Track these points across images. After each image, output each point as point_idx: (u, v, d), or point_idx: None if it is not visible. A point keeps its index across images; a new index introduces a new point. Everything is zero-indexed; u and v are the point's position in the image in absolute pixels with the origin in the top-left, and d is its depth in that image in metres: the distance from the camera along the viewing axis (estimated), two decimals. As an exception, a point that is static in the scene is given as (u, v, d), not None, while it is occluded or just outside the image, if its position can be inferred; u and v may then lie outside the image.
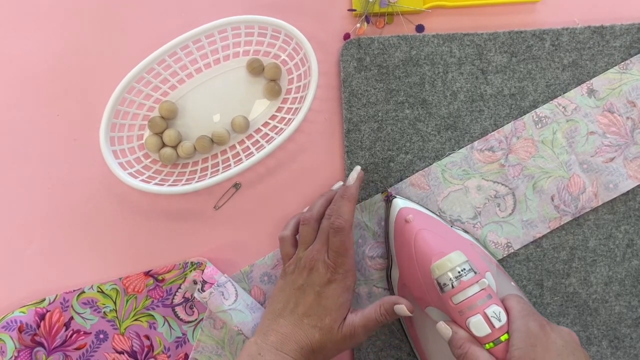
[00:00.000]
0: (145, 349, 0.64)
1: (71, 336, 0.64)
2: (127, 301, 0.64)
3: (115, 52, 0.66)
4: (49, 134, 0.65)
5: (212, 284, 0.60)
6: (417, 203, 0.62)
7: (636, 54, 0.64)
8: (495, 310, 0.49)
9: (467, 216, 0.63)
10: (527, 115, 0.64)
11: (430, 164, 0.64)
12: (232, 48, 0.65)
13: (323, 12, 0.66)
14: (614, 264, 0.63)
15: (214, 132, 0.64)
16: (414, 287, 0.56)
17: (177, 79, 0.65)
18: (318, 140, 0.65)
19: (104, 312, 0.64)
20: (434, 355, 0.57)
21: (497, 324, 0.48)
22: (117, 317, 0.64)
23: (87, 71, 0.66)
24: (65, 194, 0.65)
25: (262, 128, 0.65)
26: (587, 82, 0.64)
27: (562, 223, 0.63)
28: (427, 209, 0.61)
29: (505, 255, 0.63)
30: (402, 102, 0.64)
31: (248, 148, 0.65)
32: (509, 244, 0.63)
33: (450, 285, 0.50)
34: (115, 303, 0.64)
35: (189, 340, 0.64)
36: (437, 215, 0.62)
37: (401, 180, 0.64)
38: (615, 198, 0.63)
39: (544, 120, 0.64)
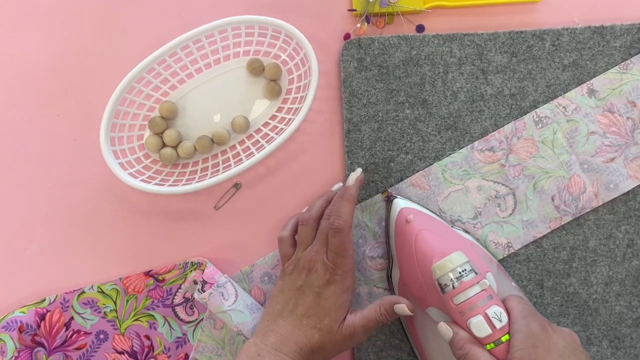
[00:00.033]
0: (146, 349, 0.63)
1: (71, 336, 0.63)
2: (128, 301, 0.64)
3: (115, 52, 0.66)
4: (49, 134, 0.65)
5: (212, 284, 0.60)
6: (418, 203, 0.61)
7: (636, 54, 0.64)
8: (496, 311, 0.48)
9: (467, 216, 0.63)
10: (528, 115, 0.63)
11: (431, 164, 0.63)
12: (232, 48, 0.64)
13: (323, 12, 0.66)
14: (614, 264, 0.63)
15: (214, 132, 0.63)
16: (414, 287, 0.55)
17: (178, 79, 0.65)
18: (318, 140, 0.65)
19: (104, 312, 0.63)
20: (435, 355, 0.57)
21: (498, 325, 0.48)
22: (117, 317, 0.63)
23: (87, 71, 0.66)
24: (65, 194, 0.65)
25: (262, 128, 0.65)
26: (588, 82, 0.63)
27: (562, 223, 0.62)
28: (428, 209, 0.61)
29: (505, 256, 0.62)
30: (402, 102, 0.64)
31: (248, 148, 0.64)
32: (509, 244, 0.62)
33: (451, 286, 0.49)
34: (115, 303, 0.63)
35: (189, 341, 0.64)
36: (437, 215, 0.62)
37: (401, 180, 0.63)
38: (615, 198, 0.63)
39: (545, 121, 0.63)
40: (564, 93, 0.64)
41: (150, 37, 0.65)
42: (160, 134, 0.64)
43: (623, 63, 0.63)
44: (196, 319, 0.64)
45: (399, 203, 0.59)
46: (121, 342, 0.63)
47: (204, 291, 0.60)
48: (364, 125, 0.64)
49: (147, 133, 0.64)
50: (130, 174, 0.62)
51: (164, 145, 0.64)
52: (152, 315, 0.64)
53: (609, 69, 0.63)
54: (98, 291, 0.63)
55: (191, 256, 0.64)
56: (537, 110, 0.63)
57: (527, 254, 0.63)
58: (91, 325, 0.63)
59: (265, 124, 0.65)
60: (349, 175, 0.63)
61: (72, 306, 0.63)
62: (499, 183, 0.63)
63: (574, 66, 0.64)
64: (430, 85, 0.64)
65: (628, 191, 0.63)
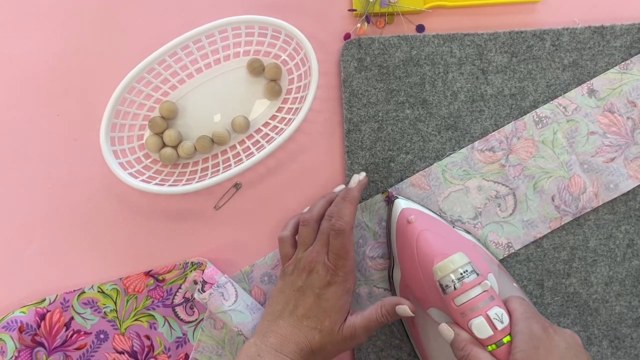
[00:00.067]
0: (146, 349, 0.63)
1: (71, 336, 0.63)
2: (128, 301, 0.63)
3: (115, 52, 0.65)
4: (49, 134, 0.64)
5: (213, 284, 0.59)
6: (419, 203, 0.61)
7: (636, 54, 0.63)
8: (497, 312, 0.48)
9: (467, 216, 0.62)
10: (528, 115, 0.63)
11: (431, 164, 0.63)
12: (232, 48, 0.64)
13: (323, 12, 0.65)
14: (614, 264, 0.62)
15: (214, 132, 0.63)
16: (416, 288, 0.55)
17: (178, 79, 0.64)
18: (318, 140, 0.64)
19: (105, 312, 0.63)
20: (436, 356, 0.56)
21: (499, 326, 0.48)
22: (117, 317, 0.63)
23: (87, 71, 0.65)
24: (65, 194, 0.64)
25: (262, 128, 0.64)
26: (588, 82, 0.63)
27: (562, 223, 0.62)
28: (430, 210, 0.60)
29: (505, 256, 0.62)
30: (402, 102, 0.63)
31: (248, 148, 0.64)
32: (509, 244, 0.62)
33: (453, 287, 0.49)
34: (115, 303, 0.63)
35: (189, 341, 0.63)
36: (439, 216, 0.61)
37: (402, 180, 0.63)
38: (615, 198, 0.62)
39: (545, 121, 0.63)
40: (564, 93, 0.63)
41: (150, 37, 0.64)
42: (160, 134, 0.63)
43: (623, 63, 0.63)
44: (196, 319, 0.63)
45: (401, 203, 0.58)
46: (121, 342, 0.63)
47: (204, 291, 0.59)
48: (364, 125, 0.63)
49: (147, 133, 0.64)
50: (130, 174, 0.61)
51: (164, 145, 0.63)
52: (152, 315, 0.63)
53: (609, 69, 0.63)
54: (98, 291, 0.63)
55: (191, 256, 0.64)
56: (537, 110, 0.63)
57: (527, 254, 0.62)
58: (91, 325, 0.63)
59: (266, 124, 0.64)
60: (349, 175, 0.62)
61: (72, 306, 0.63)
62: (499, 183, 0.62)
63: (574, 66, 0.63)
64: (430, 85, 0.63)
65: (628, 191, 0.62)
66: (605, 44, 0.63)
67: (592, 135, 0.62)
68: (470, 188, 0.62)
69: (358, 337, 0.54)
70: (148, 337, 0.63)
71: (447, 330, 0.50)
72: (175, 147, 0.63)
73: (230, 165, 0.63)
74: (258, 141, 0.64)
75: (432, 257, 0.52)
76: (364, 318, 0.54)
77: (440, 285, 0.50)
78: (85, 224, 0.64)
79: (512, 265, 0.62)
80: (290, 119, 0.62)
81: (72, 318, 0.63)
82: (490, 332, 0.47)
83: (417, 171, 0.63)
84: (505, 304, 0.50)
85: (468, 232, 0.61)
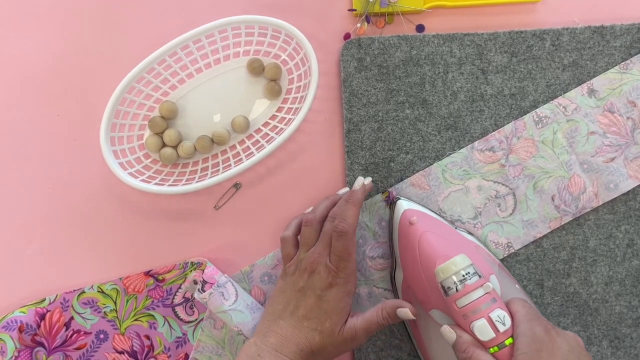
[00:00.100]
0: (146, 349, 0.62)
1: (71, 336, 0.61)
2: (128, 301, 0.62)
3: (115, 52, 0.64)
4: (49, 134, 0.63)
5: (213, 284, 0.58)
6: (422, 205, 0.59)
7: (636, 54, 0.62)
8: (499, 314, 0.47)
9: (467, 216, 0.61)
10: (528, 115, 0.61)
11: (431, 164, 0.61)
12: (232, 48, 0.63)
13: (323, 12, 0.64)
14: (614, 264, 0.61)
15: (214, 132, 0.61)
16: (418, 289, 0.54)
17: (178, 79, 0.63)
18: (318, 140, 0.63)
19: (104, 312, 0.61)
20: (439, 358, 0.55)
21: (501, 328, 0.47)
22: (117, 317, 0.62)
23: (87, 71, 0.64)
24: (65, 194, 0.63)
25: (262, 128, 0.63)
26: (588, 82, 0.62)
27: (562, 223, 0.61)
28: (432, 211, 0.59)
29: (505, 255, 0.61)
30: (402, 102, 0.62)
31: (248, 148, 0.62)
32: (509, 244, 0.60)
33: (455, 289, 0.48)
34: (115, 303, 0.62)
35: (189, 340, 0.62)
36: (440, 216, 0.60)
37: (401, 180, 0.61)
38: (615, 198, 0.61)
39: (545, 120, 0.61)
40: (564, 93, 0.62)
41: (150, 37, 0.63)
42: (160, 134, 0.62)
43: (623, 63, 0.61)
44: (196, 319, 0.62)
45: (403, 205, 0.57)
46: (121, 342, 0.62)
47: (204, 291, 0.58)
48: (364, 125, 0.62)
49: (147, 133, 0.63)
50: (130, 173, 0.60)
51: (164, 145, 0.62)
52: (152, 315, 0.62)
53: (609, 69, 0.62)
54: (98, 291, 0.62)
55: (191, 256, 0.62)
56: (537, 110, 0.61)
57: (527, 254, 0.61)
58: (91, 325, 0.62)
59: (265, 124, 0.63)
60: (349, 175, 0.61)
61: (72, 306, 0.61)
62: (499, 183, 0.61)
63: (574, 66, 0.62)
64: (430, 85, 0.62)
65: (628, 191, 0.61)
66: (605, 44, 0.62)
67: (592, 135, 0.61)
68: (470, 188, 0.61)
69: (358, 338, 0.53)
70: (148, 337, 0.62)
71: (449, 332, 0.48)
72: (175, 147, 0.62)
73: (230, 165, 0.62)
74: (258, 141, 0.63)
75: (434, 258, 0.51)
76: (364, 320, 0.53)
77: (442, 287, 0.49)
78: (85, 224, 0.63)
79: (512, 265, 0.61)
80: (290, 119, 0.61)
81: (72, 318, 0.61)
82: (492, 335, 0.46)
83: (417, 171, 0.61)
84: (508, 306, 0.49)
85: (470, 233, 0.60)
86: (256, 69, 0.62)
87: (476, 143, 0.61)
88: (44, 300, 0.61)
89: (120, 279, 0.62)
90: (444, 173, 0.61)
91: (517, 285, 0.57)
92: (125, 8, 0.64)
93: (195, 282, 0.61)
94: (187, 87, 0.63)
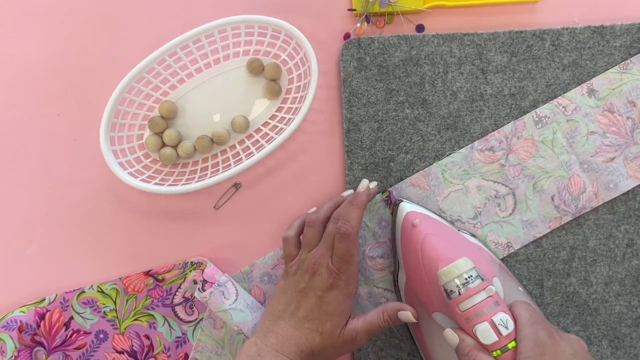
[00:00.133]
0: (145, 349, 0.60)
1: (71, 336, 0.60)
2: (127, 301, 0.60)
3: (115, 52, 0.62)
4: (49, 134, 0.62)
5: (213, 283, 0.57)
6: (424, 207, 0.58)
7: (636, 54, 0.60)
8: (502, 318, 0.45)
9: (467, 216, 0.59)
10: (527, 115, 0.60)
11: (431, 164, 0.60)
12: (232, 48, 0.61)
13: (323, 12, 0.62)
14: (614, 263, 0.59)
15: (214, 132, 0.60)
16: (421, 292, 0.52)
17: (177, 78, 0.61)
18: (318, 140, 0.62)
19: (104, 311, 0.60)
20: (442, 360, 0.54)
21: (504, 332, 0.45)
22: (117, 316, 0.60)
23: (87, 71, 0.62)
24: (65, 194, 0.61)
25: (262, 128, 0.61)
26: (587, 82, 0.60)
27: (562, 223, 0.59)
28: (435, 213, 0.57)
29: (505, 255, 0.59)
30: (402, 102, 0.60)
31: (248, 148, 0.61)
32: (509, 244, 0.59)
33: (457, 292, 0.46)
34: (115, 303, 0.60)
35: (189, 340, 0.60)
36: (442, 218, 0.58)
37: (401, 180, 0.60)
38: (615, 198, 0.59)
39: (544, 120, 0.60)
40: (564, 93, 0.60)
41: (150, 37, 0.62)
42: (160, 134, 0.61)
43: (623, 63, 0.60)
44: (196, 319, 0.60)
45: (405, 207, 0.55)
46: (121, 341, 0.60)
47: (204, 290, 0.57)
48: (364, 125, 0.60)
49: (147, 133, 0.61)
50: (130, 173, 0.59)
51: (163, 145, 0.61)
52: (152, 315, 0.60)
53: (608, 69, 0.60)
54: (98, 291, 0.60)
55: (191, 256, 0.61)
56: (537, 110, 0.60)
57: (527, 253, 0.59)
58: (91, 325, 0.60)
59: (265, 124, 0.61)
60: (349, 175, 0.60)
61: (71, 306, 0.60)
62: (498, 183, 0.59)
63: (573, 66, 0.60)
64: (430, 85, 0.60)
65: (628, 191, 0.59)
66: (605, 44, 0.60)
67: (592, 135, 0.60)
68: (469, 188, 0.59)
69: (359, 340, 0.52)
70: (147, 337, 0.60)
71: (451, 335, 0.47)
72: (175, 147, 0.60)
73: (230, 165, 0.60)
74: (258, 141, 0.61)
75: (437, 261, 0.49)
76: (365, 322, 0.52)
77: (445, 290, 0.47)
78: (85, 224, 0.61)
79: (511, 265, 0.59)
80: (290, 119, 0.60)
81: (71, 318, 0.60)
82: (495, 338, 0.45)
83: (417, 171, 0.60)
84: (511, 309, 0.48)
85: (473, 235, 0.58)
86: (256, 68, 0.60)
87: (476, 143, 0.60)
88: (43, 300, 0.60)
89: (120, 278, 0.60)
90: (443, 173, 0.60)
91: (520, 288, 0.55)
92: (125, 8, 0.63)
93: (195, 282, 0.60)
94: (187, 87, 0.61)
